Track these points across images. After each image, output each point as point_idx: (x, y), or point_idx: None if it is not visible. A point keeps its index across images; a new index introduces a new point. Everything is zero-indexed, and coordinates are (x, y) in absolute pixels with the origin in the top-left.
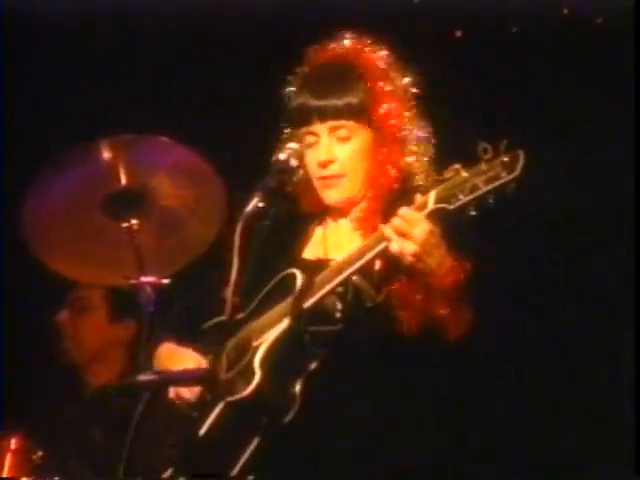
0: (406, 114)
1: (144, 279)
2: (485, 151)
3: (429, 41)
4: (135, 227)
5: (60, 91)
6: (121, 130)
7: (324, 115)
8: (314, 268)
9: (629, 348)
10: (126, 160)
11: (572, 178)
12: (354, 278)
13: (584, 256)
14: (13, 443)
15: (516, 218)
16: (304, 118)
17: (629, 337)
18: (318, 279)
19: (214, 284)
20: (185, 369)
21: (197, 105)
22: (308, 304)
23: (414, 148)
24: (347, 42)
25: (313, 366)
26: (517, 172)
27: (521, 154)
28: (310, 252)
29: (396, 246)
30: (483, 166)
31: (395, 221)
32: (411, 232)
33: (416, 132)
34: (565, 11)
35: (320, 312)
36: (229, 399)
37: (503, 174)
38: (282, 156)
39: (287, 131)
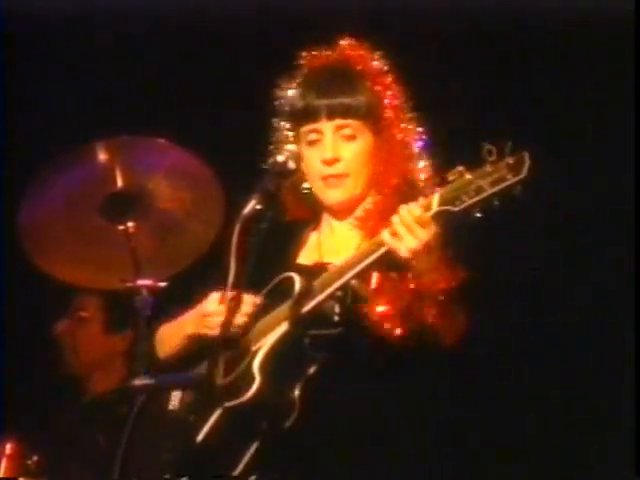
0: (409, 116)
1: (141, 282)
2: (490, 153)
3: (429, 41)
4: (132, 230)
5: (60, 91)
6: (121, 130)
7: (332, 113)
8: (310, 272)
9: (629, 348)
10: (123, 162)
11: (572, 178)
12: (353, 282)
13: (584, 256)
14: (8, 448)
15: (516, 218)
16: (309, 116)
17: (629, 337)
18: (317, 283)
19: (212, 287)
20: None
21: (197, 105)
22: (307, 308)
23: (417, 150)
24: (346, 45)
25: (312, 370)
26: (523, 174)
27: (527, 156)
28: (305, 256)
29: (396, 238)
30: (488, 168)
31: (403, 213)
32: (416, 229)
33: (418, 135)
34: (565, 11)
35: (319, 316)
36: (228, 404)
37: (509, 176)
38: (280, 158)
39: (286, 133)
